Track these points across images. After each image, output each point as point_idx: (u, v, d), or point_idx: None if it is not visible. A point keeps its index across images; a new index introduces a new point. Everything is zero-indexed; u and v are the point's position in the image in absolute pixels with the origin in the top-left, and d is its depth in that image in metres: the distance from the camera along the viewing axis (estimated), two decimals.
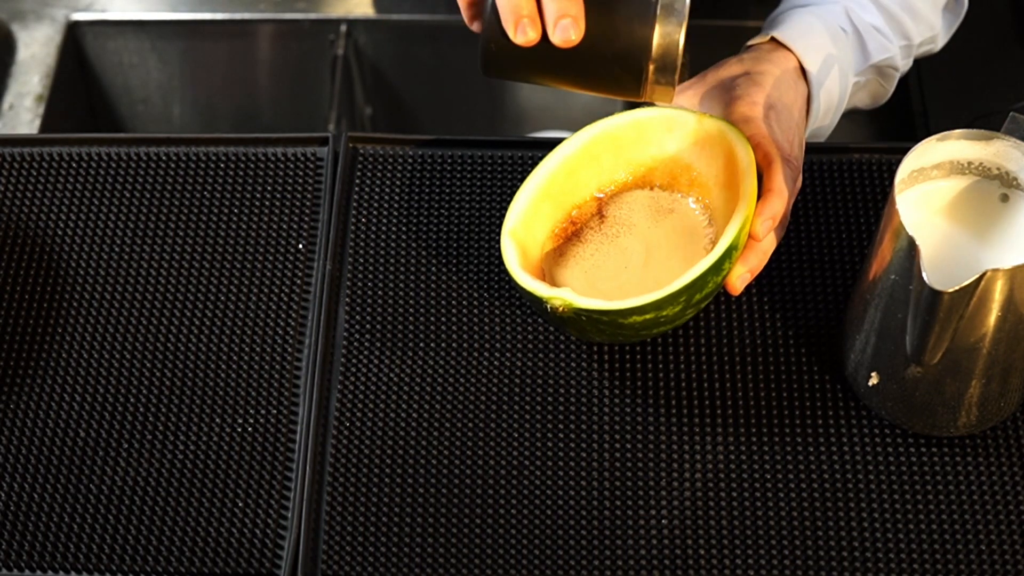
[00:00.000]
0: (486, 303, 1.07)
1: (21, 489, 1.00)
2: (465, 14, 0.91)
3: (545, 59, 0.88)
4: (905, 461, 1.00)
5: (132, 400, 1.04)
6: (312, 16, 1.60)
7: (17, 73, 1.54)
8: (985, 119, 1.19)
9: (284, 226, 1.12)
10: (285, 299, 1.08)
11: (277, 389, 1.04)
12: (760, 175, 0.99)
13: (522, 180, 1.06)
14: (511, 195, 1.10)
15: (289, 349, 1.06)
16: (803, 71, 1.07)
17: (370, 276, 1.09)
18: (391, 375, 1.04)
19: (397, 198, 1.13)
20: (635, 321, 0.96)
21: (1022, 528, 0.97)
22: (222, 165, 1.15)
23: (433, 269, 1.09)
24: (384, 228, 1.11)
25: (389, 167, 1.14)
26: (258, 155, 1.15)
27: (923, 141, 0.95)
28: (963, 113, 1.44)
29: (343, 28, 1.59)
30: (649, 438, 1.01)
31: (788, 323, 1.06)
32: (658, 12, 0.86)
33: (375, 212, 1.12)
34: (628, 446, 1.01)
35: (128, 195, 1.13)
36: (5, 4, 1.58)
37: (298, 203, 1.13)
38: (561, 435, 1.01)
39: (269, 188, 1.13)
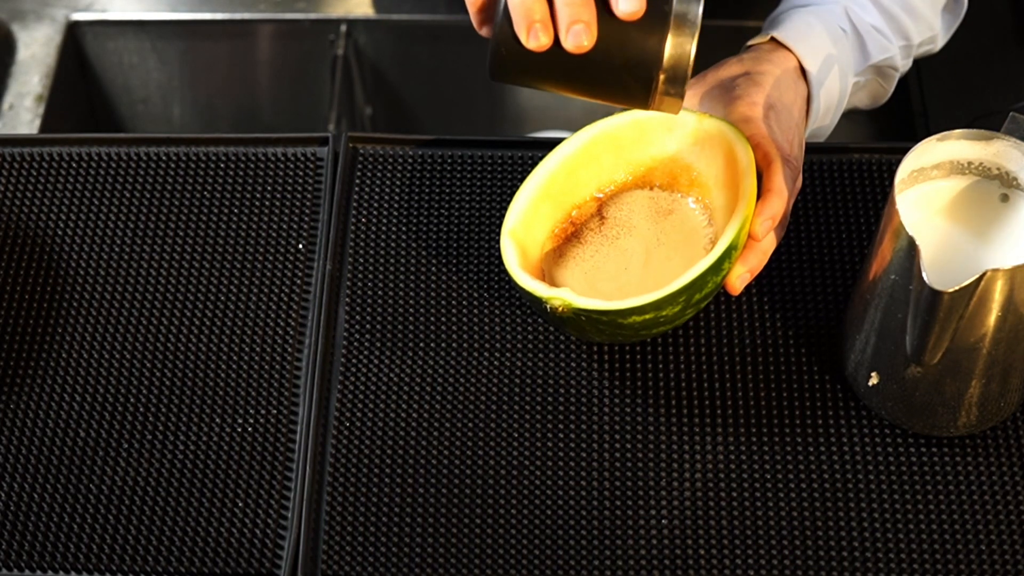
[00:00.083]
0: (486, 303, 1.07)
1: (21, 489, 1.00)
2: (475, 19, 0.90)
3: (555, 65, 0.87)
4: (905, 461, 1.00)
5: (132, 400, 1.04)
6: (312, 16, 1.60)
7: (17, 73, 1.54)
8: (985, 119, 1.19)
9: (284, 226, 1.12)
10: (285, 299, 1.08)
11: (277, 389, 1.04)
12: (760, 175, 0.99)
13: (522, 180, 1.06)
14: (511, 195, 1.10)
15: (289, 349, 1.06)
16: (803, 71, 1.07)
17: (370, 276, 1.09)
18: (391, 375, 1.04)
19: (397, 198, 1.13)
20: (635, 321, 0.96)
21: (1022, 528, 0.97)
22: (222, 165, 1.15)
23: (433, 269, 1.09)
24: (384, 228, 1.11)
25: (389, 167, 1.14)
26: (258, 155, 1.15)
27: (923, 141, 0.95)
28: (963, 113, 1.44)
29: (343, 28, 1.59)
30: (649, 438, 1.01)
31: (788, 323, 1.06)
32: (671, 22, 0.86)
33: (375, 212, 1.12)
34: (628, 446, 1.01)
35: (128, 195, 1.13)
36: (5, 4, 1.58)
37: (298, 203, 1.13)
38: (561, 435, 1.01)
39: (269, 188, 1.13)
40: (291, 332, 1.06)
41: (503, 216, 1.03)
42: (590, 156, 1.04)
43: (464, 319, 1.06)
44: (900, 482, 0.99)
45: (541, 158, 1.04)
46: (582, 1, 0.84)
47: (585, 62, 0.87)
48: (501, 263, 1.07)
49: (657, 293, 0.95)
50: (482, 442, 1.01)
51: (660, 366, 1.04)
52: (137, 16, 1.59)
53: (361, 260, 1.09)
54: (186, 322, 1.07)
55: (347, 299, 1.07)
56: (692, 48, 0.86)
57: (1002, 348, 0.93)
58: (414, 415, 1.02)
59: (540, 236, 1.03)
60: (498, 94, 1.67)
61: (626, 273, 1.02)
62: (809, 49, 1.07)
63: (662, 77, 0.87)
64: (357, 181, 1.13)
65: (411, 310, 1.07)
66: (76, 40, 1.59)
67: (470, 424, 1.02)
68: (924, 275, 0.88)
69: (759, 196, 0.98)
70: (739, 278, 0.99)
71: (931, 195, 0.98)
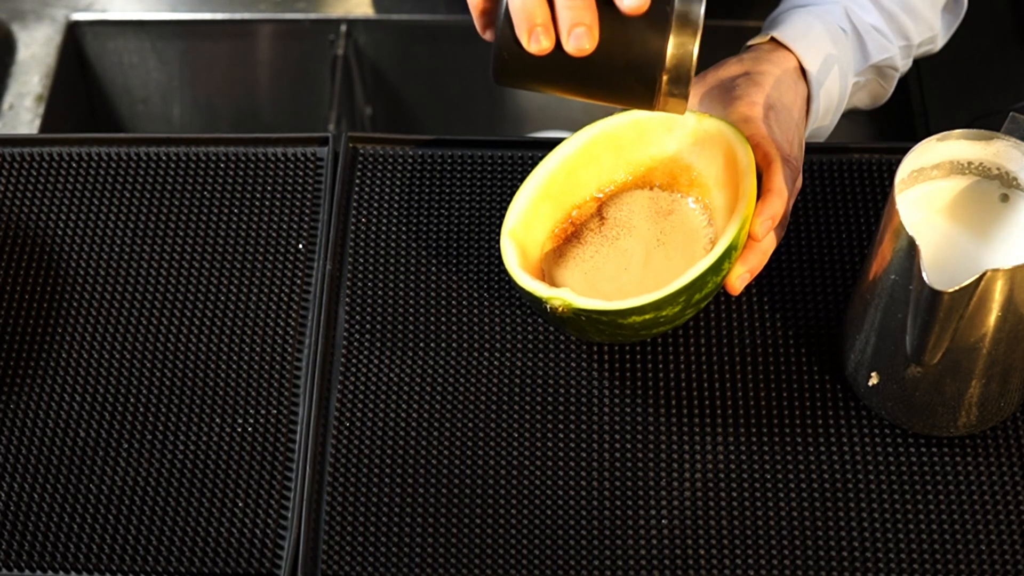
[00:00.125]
0: (486, 303, 1.07)
1: (21, 489, 1.00)
2: (478, 23, 0.90)
3: (558, 68, 0.87)
4: (905, 461, 1.00)
5: (132, 400, 1.04)
6: (312, 16, 1.60)
7: (17, 73, 1.54)
8: (985, 119, 1.19)
9: (284, 226, 1.12)
10: (285, 299, 1.08)
11: (277, 389, 1.04)
12: (760, 175, 0.99)
13: (522, 180, 1.06)
14: (511, 195, 1.10)
15: (289, 349, 1.06)
16: (803, 71, 1.07)
17: (370, 276, 1.09)
18: (391, 375, 1.04)
19: (397, 198, 1.13)
20: (634, 321, 0.96)
21: (1022, 528, 0.97)
22: (222, 165, 1.15)
23: (433, 269, 1.09)
24: (384, 228, 1.11)
25: (389, 167, 1.14)
26: (258, 155, 1.15)
27: (923, 141, 0.95)
28: (963, 113, 1.44)
29: (343, 28, 1.59)
30: (649, 438, 1.01)
31: (788, 323, 1.06)
32: (673, 22, 0.86)
33: (375, 212, 1.12)
34: (628, 446, 1.01)
35: (128, 195, 1.13)
36: (5, 4, 1.58)
37: (298, 203, 1.13)
38: (561, 435, 1.01)
39: (269, 188, 1.13)
40: (291, 332, 1.06)
41: (503, 216, 1.03)
42: (590, 156, 1.04)
43: (464, 319, 1.06)
44: (900, 482, 0.99)
45: (541, 158, 1.04)
46: (583, 4, 0.84)
47: (587, 65, 0.86)
48: (501, 263, 1.07)
49: (657, 293, 0.95)
50: (482, 442, 1.01)
51: (660, 366, 1.04)
52: (137, 16, 1.59)
53: (361, 260, 1.09)
54: (186, 322, 1.07)
55: (347, 299, 1.07)
56: (695, 48, 0.86)
57: (1002, 348, 0.93)
58: (414, 415, 1.02)
59: (540, 236, 1.03)
60: (498, 94, 1.67)
61: (626, 273, 1.02)
62: (809, 49, 1.07)
63: (665, 78, 0.87)
64: (357, 181, 1.13)
65: (411, 310, 1.07)
66: (76, 40, 1.59)
67: (470, 424, 1.02)
68: (924, 275, 0.88)
69: (759, 196, 0.98)
70: (739, 278, 0.99)
71: (931, 195, 0.98)
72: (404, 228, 1.11)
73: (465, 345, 1.05)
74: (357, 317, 1.07)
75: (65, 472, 1.01)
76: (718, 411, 1.02)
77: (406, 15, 1.60)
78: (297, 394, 1.04)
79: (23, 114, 1.51)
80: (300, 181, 1.14)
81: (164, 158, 1.15)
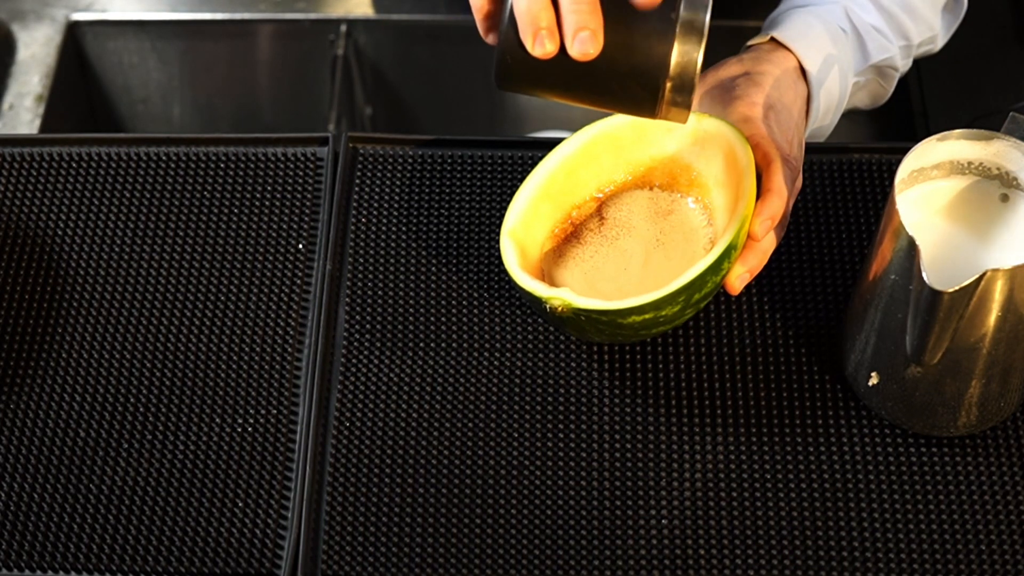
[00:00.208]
0: (486, 303, 1.07)
1: (21, 489, 1.00)
2: (481, 26, 0.89)
3: (561, 73, 0.86)
4: (905, 461, 1.00)
5: (132, 400, 1.04)
6: (312, 16, 1.60)
7: (17, 73, 1.54)
8: (985, 119, 1.19)
9: (284, 226, 1.12)
10: (285, 299, 1.08)
11: (277, 389, 1.04)
12: (759, 175, 0.99)
13: (522, 180, 1.06)
14: (511, 195, 1.10)
15: (289, 349, 1.06)
16: (803, 71, 1.07)
17: (370, 276, 1.09)
18: (391, 375, 1.04)
19: (397, 198, 1.13)
20: (634, 321, 0.96)
21: (1022, 528, 0.97)
22: (222, 165, 1.15)
23: (433, 269, 1.09)
24: (384, 228, 1.11)
25: (389, 167, 1.14)
26: (258, 155, 1.15)
27: (923, 141, 0.95)
28: (963, 113, 1.44)
29: (343, 28, 1.59)
30: (649, 438, 1.01)
31: (788, 323, 1.06)
32: (678, 30, 0.85)
33: (375, 212, 1.12)
34: (628, 446, 1.01)
35: (128, 195, 1.13)
36: (5, 4, 1.58)
37: (298, 203, 1.13)
38: (561, 435, 1.01)
39: (269, 188, 1.13)
40: (291, 332, 1.06)
41: (503, 216, 1.03)
42: (590, 156, 1.04)
43: (464, 319, 1.06)
44: (900, 482, 0.99)
45: (541, 158, 1.04)
46: (589, 8, 0.84)
47: (591, 70, 0.86)
48: (501, 263, 1.07)
49: (657, 293, 0.95)
50: (482, 442, 1.01)
51: (660, 366, 1.04)
52: (137, 16, 1.59)
53: (361, 260, 1.09)
54: (186, 322, 1.07)
55: (347, 299, 1.07)
56: (699, 56, 0.86)
57: (1002, 348, 0.93)
58: (414, 415, 1.02)
59: (540, 236, 1.03)
60: (498, 94, 1.67)
61: (625, 273, 1.02)
62: (809, 49, 1.07)
63: (669, 85, 0.86)
64: (357, 181, 1.13)
65: (411, 310, 1.07)
66: (76, 40, 1.59)
67: (470, 424, 1.02)
68: (924, 275, 0.88)
69: (759, 196, 0.98)
70: (738, 278, 0.99)
71: (931, 195, 0.98)
72: (404, 228, 1.11)
73: (465, 345, 1.05)
74: (357, 317, 1.07)
75: (65, 472, 1.01)
76: (718, 411, 1.02)
77: (406, 15, 1.60)
78: (297, 394, 1.04)
79: (23, 114, 1.51)
80: (300, 181, 1.14)
81: (164, 158, 1.15)
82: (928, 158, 0.96)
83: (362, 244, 1.10)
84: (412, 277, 1.09)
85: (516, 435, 1.01)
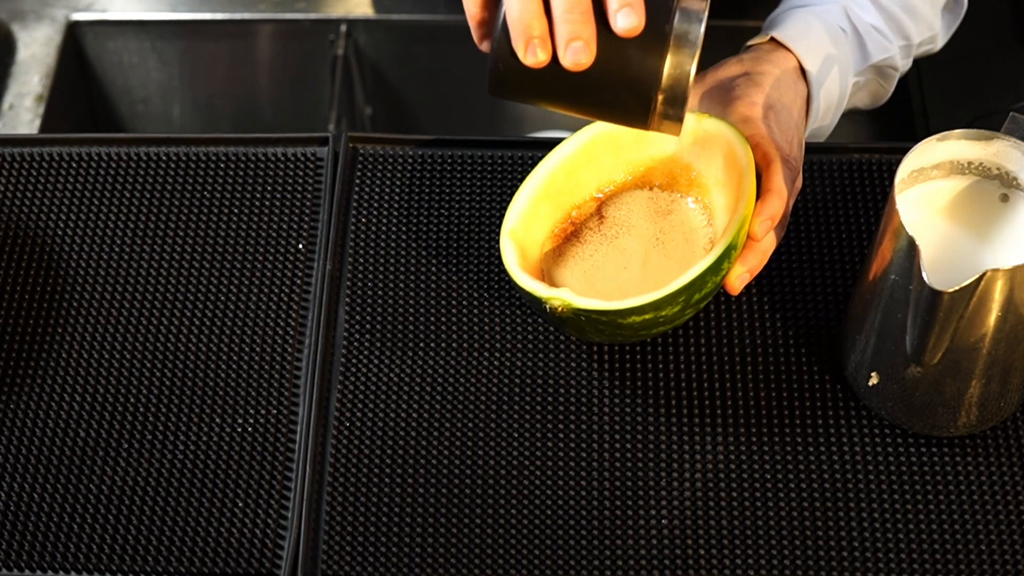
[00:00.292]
0: (486, 303, 1.07)
1: (21, 489, 1.00)
2: (475, 33, 0.89)
3: (553, 82, 0.86)
4: (905, 461, 1.00)
5: (132, 400, 1.04)
6: (312, 16, 1.60)
7: (17, 73, 1.54)
8: (985, 119, 1.19)
9: (284, 226, 1.12)
10: (285, 299, 1.08)
11: (277, 389, 1.04)
12: (759, 175, 0.99)
13: (522, 180, 1.06)
14: (511, 195, 1.10)
15: (289, 349, 1.06)
16: (803, 71, 1.07)
17: (370, 276, 1.09)
18: (391, 375, 1.04)
19: (397, 198, 1.13)
20: (634, 321, 0.96)
21: (1022, 528, 0.97)
22: (222, 165, 1.15)
23: (433, 269, 1.09)
24: (384, 228, 1.11)
25: (389, 167, 1.14)
26: (258, 155, 1.15)
27: (923, 141, 0.95)
28: (963, 113, 1.44)
29: (343, 28, 1.59)
30: (649, 438, 1.01)
31: (788, 323, 1.06)
32: (671, 42, 0.85)
33: (375, 212, 1.12)
34: (628, 446, 1.01)
35: (128, 195, 1.13)
36: (5, 4, 1.58)
37: (298, 203, 1.13)
38: (561, 435, 1.01)
39: (269, 188, 1.13)
40: (291, 332, 1.06)
41: (503, 216, 1.03)
42: (590, 156, 1.04)
43: (464, 319, 1.06)
44: (900, 482, 0.99)
45: (541, 158, 1.04)
46: (582, 18, 0.83)
47: (584, 80, 0.85)
48: (501, 263, 1.07)
49: (656, 293, 0.95)
50: (482, 442, 1.01)
51: (660, 366, 1.04)
52: (137, 16, 1.59)
53: (361, 260, 1.09)
54: (186, 322, 1.07)
55: (347, 299, 1.07)
56: (692, 69, 0.85)
57: (1002, 348, 0.93)
58: (414, 415, 1.02)
59: (540, 236, 1.03)
60: None
61: (625, 273, 1.02)
62: (809, 49, 1.07)
63: (661, 97, 0.86)
64: (357, 181, 1.13)
65: (411, 310, 1.07)
66: (76, 40, 1.59)
67: (470, 424, 1.02)
68: (924, 275, 0.88)
69: (758, 196, 0.98)
70: (738, 278, 0.99)
71: (931, 195, 0.98)
72: (404, 228, 1.11)
73: (465, 345, 1.05)
74: (357, 317, 1.07)
75: (65, 472, 1.01)
76: (718, 411, 1.02)
77: (406, 15, 1.60)
78: (297, 394, 1.04)
79: (23, 114, 1.51)
80: (300, 181, 1.14)
81: (164, 158, 1.15)
82: (928, 158, 0.96)
83: (362, 244, 1.10)
84: (412, 277, 1.09)
85: (516, 435, 1.01)
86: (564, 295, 0.96)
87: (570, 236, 1.04)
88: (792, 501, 0.98)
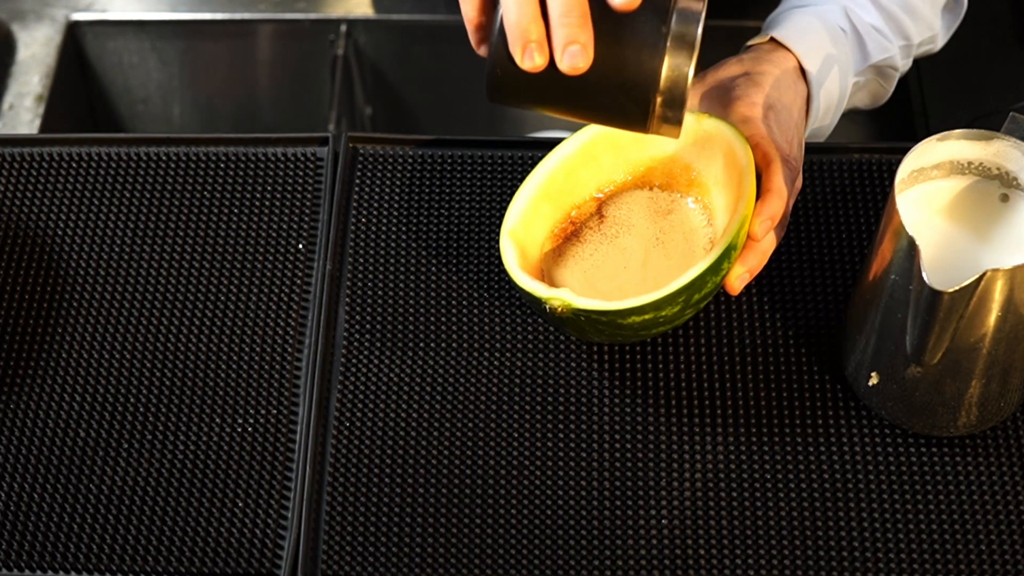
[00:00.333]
0: (486, 303, 1.07)
1: (21, 489, 1.00)
2: (473, 38, 0.89)
3: (552, 86, 0.86)
4: (905, 461, 1.00)
5: (132, 400, 1.04)
6: (312, 16, 1.60)
7: (17, 73, 1.54)
8: (985, 119, 1.19)
9: (284, 226, 1.12)
10: (285, 299, 1.08)
11: (277, 389, 1.04)
12: (759, 175, 0.99)
13: (522, 180, 1.06)
14: (511, 195, 1.10)
15: (289, 349, 1.06)
16: (803, 71, 1.07)
17: (370, 276, 1.09)
18: (391, 375, 1.04)
19: (397, 198, 1.13)
20: (634, 321, 0.96)
21: (1022, 528, 0.97)
22: (222, 165, 1.15)
23: (433, 269, 1.09)
24: (384, 228, 1.11)
25: (389, 167, 1.14)
26: (258, 155, 1.15)
27: (923, 141, 0.95)
28: (963, 113, 1.44)
29: (343, 28, 1.59)
30: (649, 438, 1.01)
31: (788, 323, 1.06)
32: (668, 44, 0.85)
33: (375, 212, 1.12)
34: (628, 446, 1.01)
35: (128, 195, 1.13)
36: (5, 4, 1.58)
37: (298, 203, 1.13)
38: (561, 435, 1.01)
39: (269, 188, 1.13)
40: (291, 332, 1.06)
41: (503, 216, 1.03)
42: (590, 156, 1.04)
43: (464, 319, 1.06)
44: (900, 482, 0.99)
45: (541, 158, 1.04)
46: (579, 22, 0.83)
47: (581, 84, 0.85)
48: (501, 263, 1.07)
49: (656, 293, 0.95)
50: (482, 442, 1.01)
51: (660, 366, 1.04)
52: (137, 16, 1.59)
53: (361, 260, 1.09)
54: (186, 322, 1.07)
55: (347, 299, 1.08)
56: (690, 70, 0.85)
57: (1002, 348, 0.93)
58: (414, 415, 1.02)
59: (540, 236, 1.03)
60: None
61: (625, 272, 1.02)
62: (809, 49, 1.07)
63: (659, 100, 0.86)
64: (357, 181, 1.13)
65: (411, 310, 1.07)
66: (76, 40, 1.59)
67: (470, 424, 1.02)
68: (924, 275, 0.88)
69: (758, 196, 0.98)
70: (738, 278, 0.99)
71: (931, 195, 0.98)
72: (404, 228, 1.11)
73: (465, 345, 1.05)
74: (357, 317, 1.07)
75: (65, 472, 1.01)
76: (718, 411, 1.02)
77: (406, 15, 1.60)
78: (297, 394, 1.04)
79: (23, 114, 1.51)
80: (300, 181, 1.14)
81: (164, 158, 1.15)
82: (928, 158, 0.96)
83: (362, 244, 1.10)
84: (412, 277, 1.09)
85: (516, 435, 1.01)
86: (564, 295, 0.96)
87: (570, 236, 1.04)
88: (792, 501, 0.98)
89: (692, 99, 1.06)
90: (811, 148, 1.13)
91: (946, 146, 0.96)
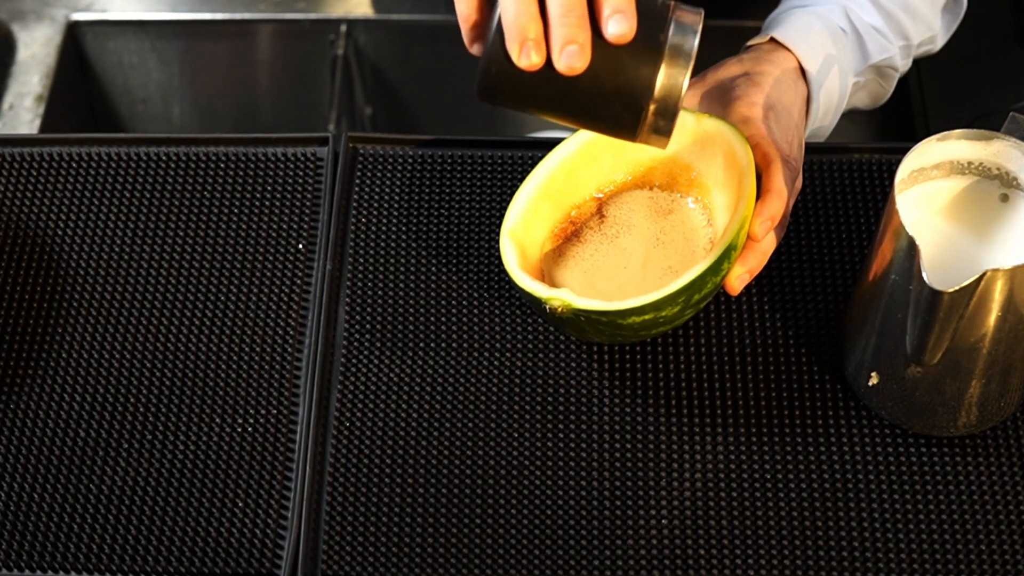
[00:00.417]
0: (486, 303, 1.07)
1: (21, 489, 1.00)
2: (466, 36, 0.88)
3: (545, 87, 0.85)
4: (905, 461, 1.00)
5: (132, 400, 1.04)
6: (312, 16, 1.60)
7: (17, 73, 1.54)
8: (985, 119, 1.19)
9: (284, 226, 1.12)
10: (285, 299, 1.08)
11: (277, 389, 1.04)
12: (759, 175, 0.99)
13: (522, 180, 1.06)
14: (511, 195, 1.10)
15: (289, 349, 1.06)
16: (803, 71, 1.07)
17: (370, 276, 1.09)
18: (391, 375, 1.04)
19: (397, 198, 1.13)
20: (634, 322, 0.96)
21: (1022, 528, 0.97)
22: (222, 165, 1.15)
23: (433, 269, 1.09)
24: (384, 228, 1.11)
25: (389, 167, 1.14)
26: (258, 155, 1.15)
27: (923, 141, 0.95)
28: (963, 113, 1.44)
29: (343, 28, 1.59)
30: (649, 438, 1.01)
31: (788, 323, 1.06)
32: (666, 53, 0.84)
33: (375, 212, 1.12)
34: (628, 446, 1.01)
35: (128, 195, 1.13)
36: (5, 4, 1.58)
37: (298, 203, 1.13)
38: (561, 435, 1.01)
39: (269, 188, 1.13)
40: (291, 332, 1.06)
41: (503, 216, 1.03)
42: (590, 156, 1.04)
43: (464, 319, 1.06)
44: (900, 482, 0.99)
45: (541, 158, 1.04)
46: (578, 23, 0.83)
47: (575, 86, 0.85)
48: (501, 263, 1.07)
49: (656, 294, 0.95)
50: (482, 442, 1.01)
51: (660, 366, 1.04)
52: (137, 16, 1.59)
53: (361, 260, 1.10)
54: (186, 322, 1.07)
55: (347, 299, 1.08)
56: (684, 81, 0.85)
57: (1002, 348, 0.93)
58: (414, 415, 1.02)
59: (540, 236, 1.03)
60: None
61: (625, 272, 1.02)
62: (809, 49, 1.07)
63: (652, 108, 0.85)
64: (357, 181, 1.13)
65: (411, 310, 1.07)
66: (76, 40, 1.59)
67: (470, 424, 1.02)
68: (924, 275, 0.88)
69: (758, 196, 0.98)
70: (738, 278, 0.99)
71: (931, 195, 0.98)
72: (404, 228, 1.11)
73: (465, 345, 1.05)
74: (357, 317, 1.07)
75: (65, 472, 1.01)
76: (718, 411, 1.02)
77: (406, 15, 1.60)
78: (297, 394, 1.04)
79: (23, 114, 1.51)
80: (300, 181, 1.14)
81: (164, 158, 1.15)
82: (928, 158, 0.96)
83: (362, 244, 1.10)
84: (412, 277, 1.09)
85: (516, 435, 1.01)
86: (564, 295, 0.96)
87: (570, 236, 1.04)
88: (792, 501, 0.98)
89: (692, 99, 1.06)
90: (811, 148, 1.13)
91: (946, 146, 0.96)
